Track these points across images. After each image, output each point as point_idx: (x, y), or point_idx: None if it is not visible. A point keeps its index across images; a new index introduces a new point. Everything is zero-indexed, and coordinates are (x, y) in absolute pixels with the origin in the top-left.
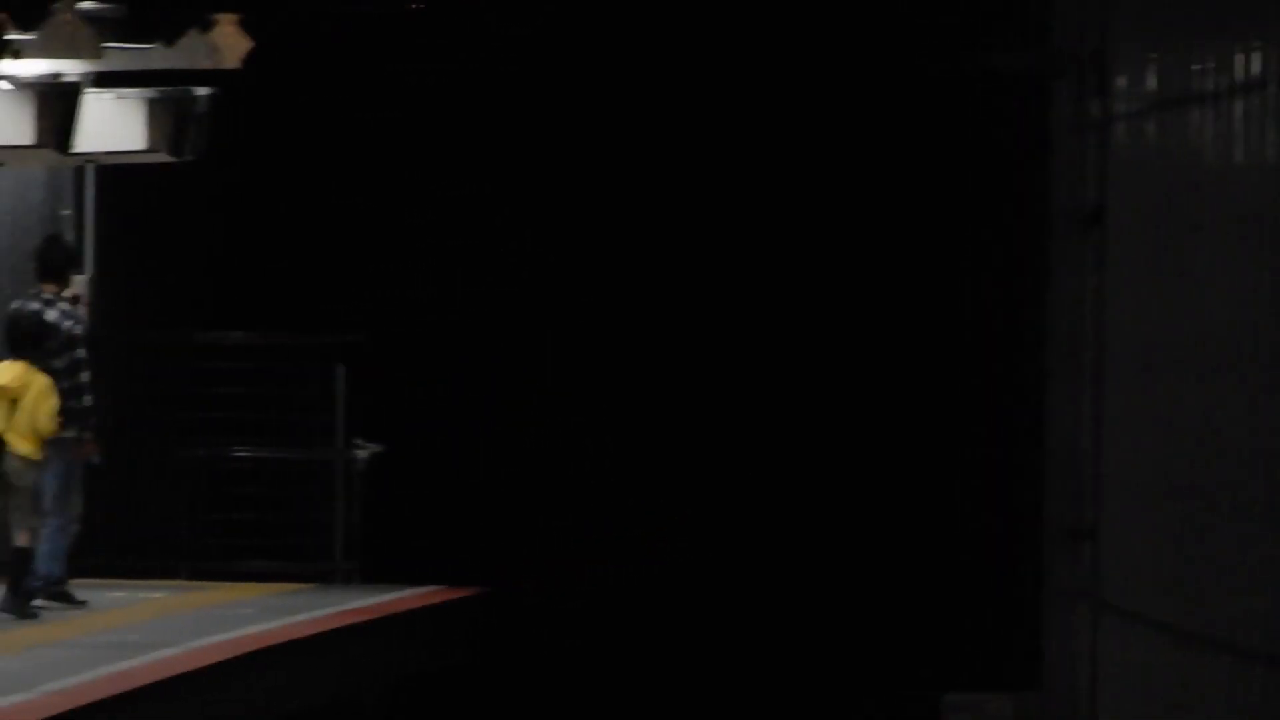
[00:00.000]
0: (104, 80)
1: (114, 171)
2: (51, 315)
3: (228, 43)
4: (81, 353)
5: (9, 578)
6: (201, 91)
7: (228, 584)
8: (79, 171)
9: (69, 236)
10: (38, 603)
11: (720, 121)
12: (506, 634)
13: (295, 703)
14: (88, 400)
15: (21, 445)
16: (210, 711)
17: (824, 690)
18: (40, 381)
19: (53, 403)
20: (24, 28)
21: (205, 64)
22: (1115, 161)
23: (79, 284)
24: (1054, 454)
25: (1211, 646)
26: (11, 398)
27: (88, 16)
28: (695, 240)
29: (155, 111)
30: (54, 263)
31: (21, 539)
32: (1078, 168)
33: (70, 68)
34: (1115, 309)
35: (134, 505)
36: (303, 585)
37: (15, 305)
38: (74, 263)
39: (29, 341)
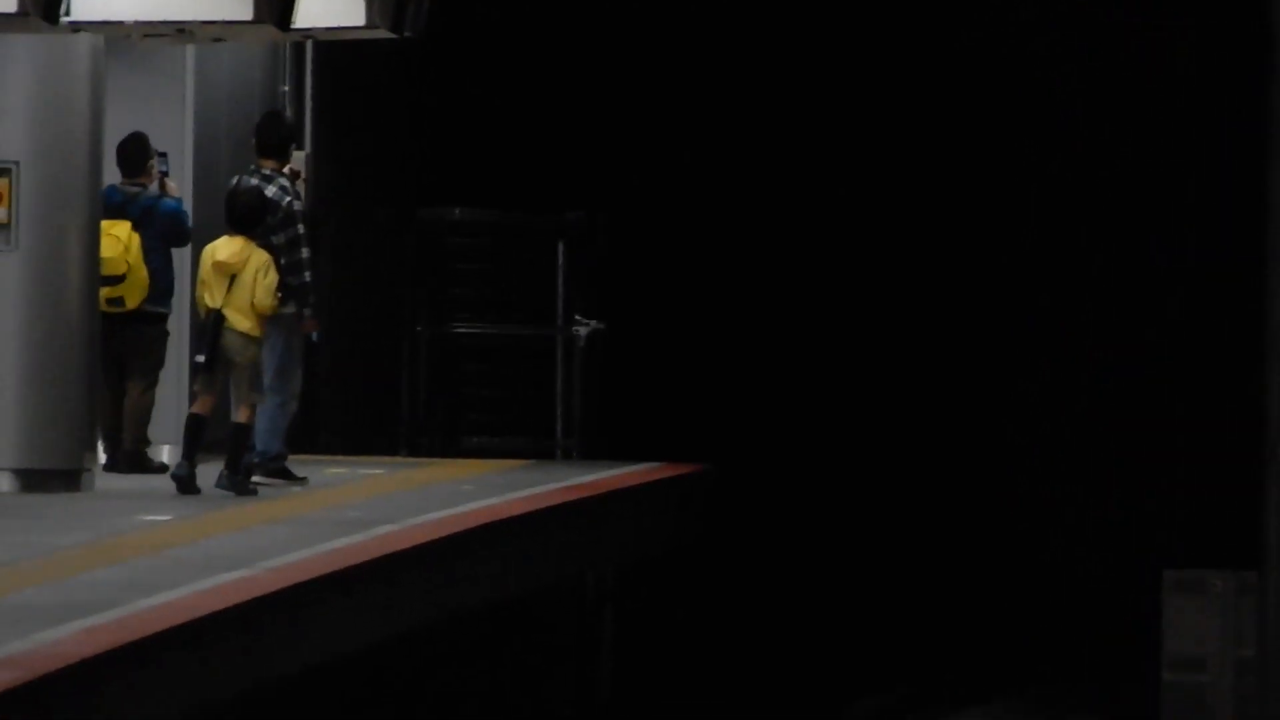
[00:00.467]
0: None
1: (334, 47)
2: (271, 191)
3: None
4: (301, 229)
5: (228, 454)
6: None
7: (448, 461)
8: (298, 47)
9: (288, 113)
10: (257, 479)
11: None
12: (729, 510)
13: (518, 582)
14: (307, 276)
15: (241, 321)
16: (431, 588)
17: (1045, 567)
18: (259, 257)
19: (272, 279)
20: None
21: None
22: None
23: (298, 160)
24: (1273, 339)
25: None
26: (230, 273)
27: None
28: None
29: None
30: (273, 139)
31: (241, 415)
32: None
33: None
34: None
35: (353, 382)
36: (523, 462)
37: (235, 181)
38: (293, 139)
39: (248, 217)
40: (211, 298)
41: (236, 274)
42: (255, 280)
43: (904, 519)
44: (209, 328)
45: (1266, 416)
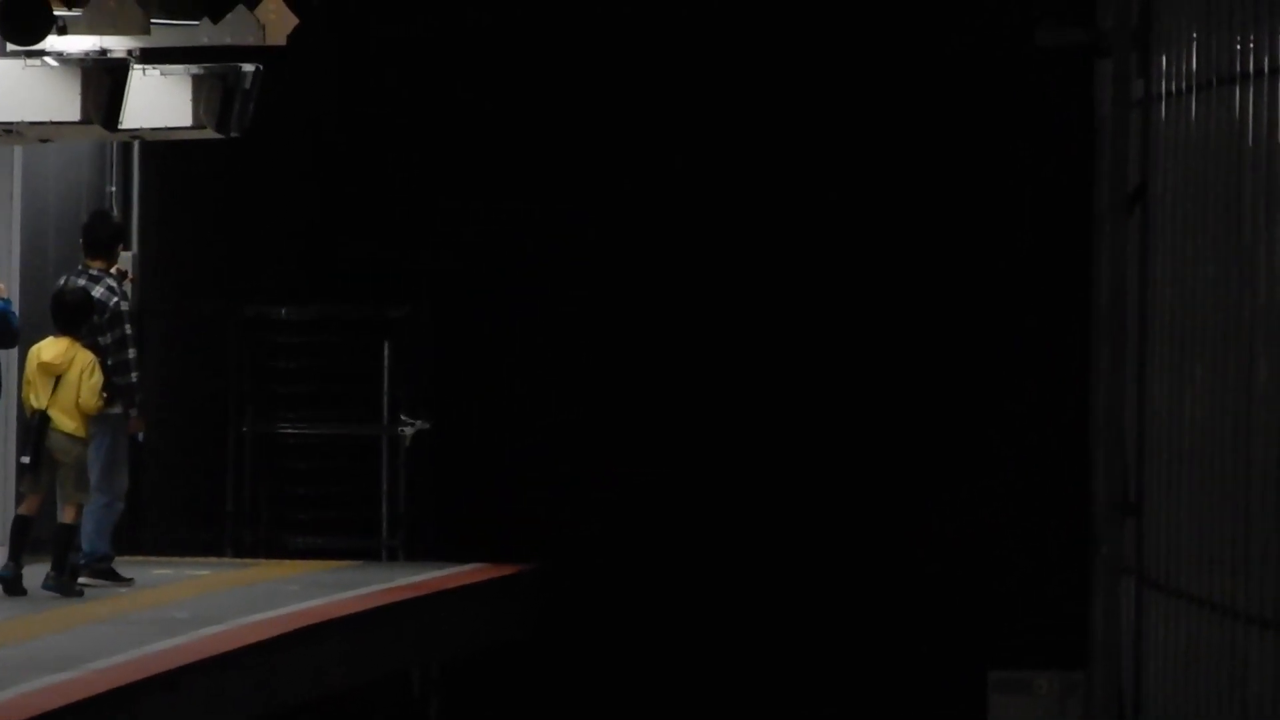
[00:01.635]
0: (150, 56)
1: (160, 147)
2: (98, 291)
3: (273, 19)
4: (128, 329)
5: (53, 555)
6: (247, 67)
7: (273, 561)
8: (125, 148)
9: (115, 212)
10: (83, 580)
11: (758, 105)
12: (552, 611)
13: (342, 680)
14: (134, 376)
15: (66, 422)
16: (257, 688)
17: (871, 665)
18: (84, 358)
19: (98, 379)
20: (70, 4)
21: (251, 40)
22: (1158, 140)
23: (125, 260)
24: (1099, 430)
25: (1255, 623)
26: (55, 374)
27: None
28: (739, 226)
29: (201, 87)
30: (100, 238)
31: (67, 516)
32: (1121, 146)
33: (117, 44)
34: (1158, 285)
35: (179, 482)
36: (348, 562)
37: (62, 281)
38: (120, 238)
39: (74, 317)
40: (37, 398)
41: (62, 375)
42: (80, 381)
43: (737, 618)
44: (34, 428)
45: (1092, 509)
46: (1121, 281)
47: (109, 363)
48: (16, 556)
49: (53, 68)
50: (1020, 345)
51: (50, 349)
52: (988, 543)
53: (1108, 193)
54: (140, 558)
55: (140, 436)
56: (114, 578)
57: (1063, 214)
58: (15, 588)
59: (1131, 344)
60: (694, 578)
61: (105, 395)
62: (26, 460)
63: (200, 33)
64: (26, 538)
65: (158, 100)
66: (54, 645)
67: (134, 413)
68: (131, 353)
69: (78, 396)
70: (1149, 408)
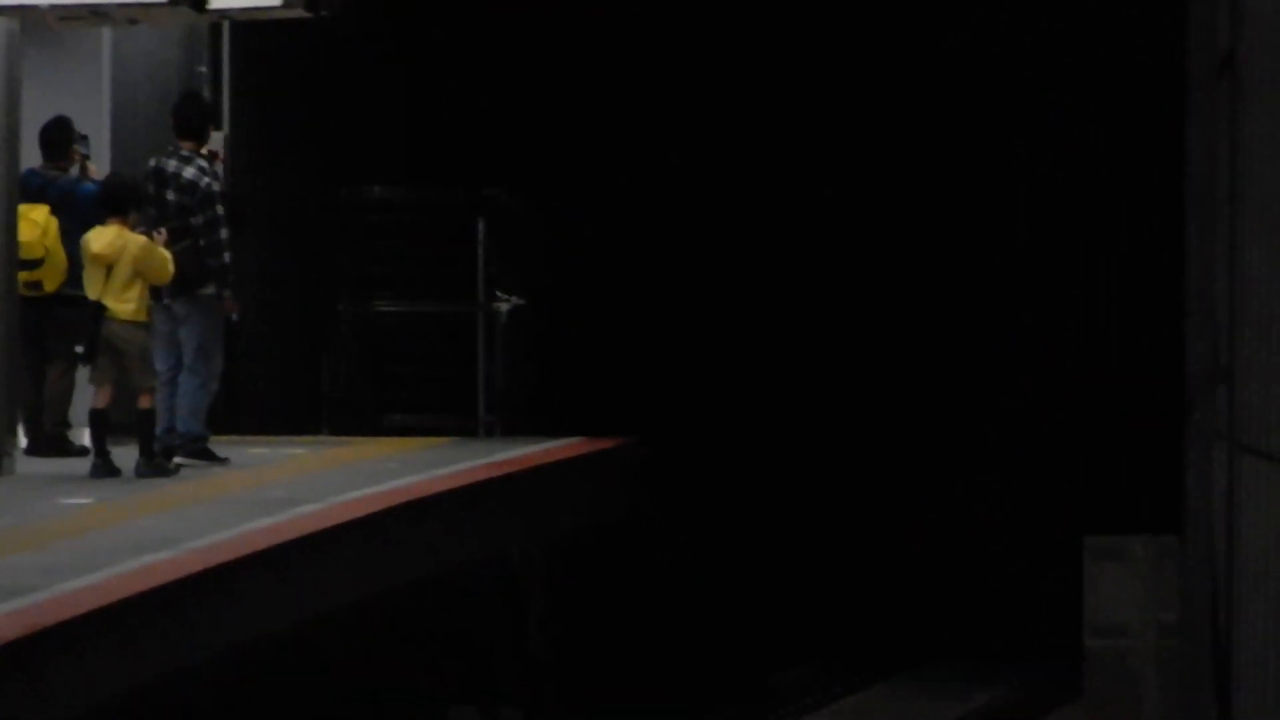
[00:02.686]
0: None
1: (250, 28)
2: (189, 172)
3: None
4: (219, 209)
5: (139, 442)
6: None
7: (370, 439)
8: (215, 28)
9: (206, 93)
10: (178, 460)
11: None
12: (650, 484)
13: (441, 557)
14: (226, 257)
15: (122, 309)
16: (355, 567)
17: (964, 532)
18: (136, 242)
19: (161, 255)
20: None
21: None
22: (1247, 5)
23: (216, 140)
24: (1192, 297)
25: None
26: (107, 264)
27: None
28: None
29: None
30: (191, 120)
31: (143, 402)
32: (1210, 12)
33: None
34: (1249, 152)
35: (274, 362)
36: (446, 439)
37: (152, 163)
38: (211, 119)
39: (119, 202)
40: (91, 289)
41: (113, 264)
42: (144, 262)
43: (826, 495)
44: (90, 318)
45: (1185, 375)
46: (1212, 149)
47: (201, 244)
48: (101, 451)
49: None
50: (1115, 219)
51: (98, 240)
52: (1086, 410)
53: (1196, 61)
54: (237, 437)
55: (234, 317)
56: (210, 457)
57: (1153, 85)
58: (107, 473)
59: (1223, 211)
60: (789, 448)
61: (179, 269)
62: (80, 350)
63: None
64: (105, 430)
65: None
66: (151, 525)
67: (227, 294)
68: (223, 233)
69: (146, 279)
70: (1241, 273)
